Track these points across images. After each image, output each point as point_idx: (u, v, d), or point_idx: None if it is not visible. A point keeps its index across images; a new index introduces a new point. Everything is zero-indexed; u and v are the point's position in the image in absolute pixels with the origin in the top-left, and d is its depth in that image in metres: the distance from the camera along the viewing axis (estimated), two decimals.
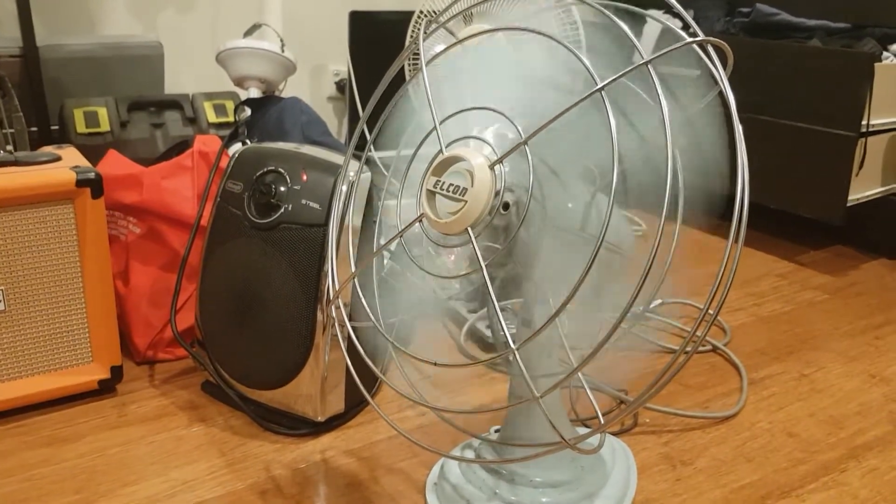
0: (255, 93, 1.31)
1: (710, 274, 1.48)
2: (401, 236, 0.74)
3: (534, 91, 0.74)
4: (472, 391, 1.06)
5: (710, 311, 0.64)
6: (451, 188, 0.68)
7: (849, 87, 1.42)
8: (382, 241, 0.77)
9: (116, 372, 1.03)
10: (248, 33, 1.39)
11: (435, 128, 0.71)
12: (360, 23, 1.52)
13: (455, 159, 0.68)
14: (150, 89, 1.57)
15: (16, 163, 0.96)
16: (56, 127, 1.45)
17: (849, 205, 1.47)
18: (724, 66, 0.67)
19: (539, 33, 0.66)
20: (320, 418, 0.96)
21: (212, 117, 1.45)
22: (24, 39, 1.43)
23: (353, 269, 0.79)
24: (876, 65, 1.40)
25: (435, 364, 0.71)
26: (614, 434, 0.97)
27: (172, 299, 1.08)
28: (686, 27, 0.71)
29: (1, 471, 0.88)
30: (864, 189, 1.51)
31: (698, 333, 0.64)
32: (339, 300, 0.80)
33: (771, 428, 1.00)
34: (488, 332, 1.15)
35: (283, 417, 0.98)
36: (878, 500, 0.87)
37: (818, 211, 1.50)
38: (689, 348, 0.62)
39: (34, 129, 1.48)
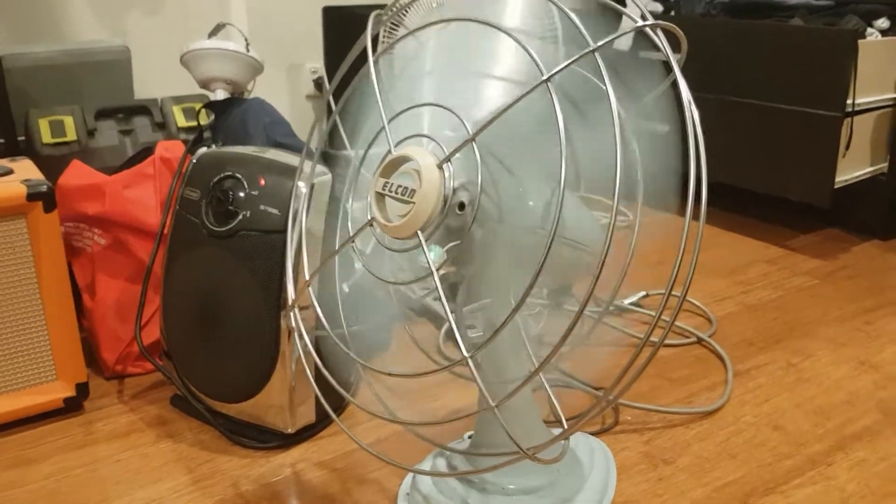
0: (221, 95, 1.28)
1: (697, 263, 1.45)
2: (351, 241, 0.70)
3: (490, 85, 0.71)
4: (448, 395, 1.03)
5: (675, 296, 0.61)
6: (400, 190, 0.65)
7: (832, 65, 1.38)
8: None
9: (82, 389, 1.00)
10: (212, 34, 1.35)
11: (384, 126, 0.68)
12: (334, 18, 1.48)
13: (403, 159, 0.65)
14: (120, 95, 1.53)
15: None
16: (23, 138, 1.42)
17: (837, 186, 1.44)
18: (678, 50, 0.64)
19: (488, 24, 0.63)
20: (290, 430, 0.93)
21: (181, 121, 1.42)
22: None
23: (307, 276, 0.76)
24: (860, 42, 1.36)
25: (389, 374, 0.68)
26: (594, 434, 0.94)
27: (137, 312, 1.05)
28: (669, 11, 0.67)
29: None
30: (852, 170, 1.47)
31: (664, 320, 0.60)
32: (297, 308, 0.78)
33: (756, 421, 0.97)
34: (470, 332, 1.12)
35: (253, 430, 0.95)
36: (865, 494, 0.84)
37: (805, 194, 1.47)
38: (654, 339, 0.59)
39: (0, 141, 1.44)
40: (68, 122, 1.38)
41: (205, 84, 1.31)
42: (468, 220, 0.67)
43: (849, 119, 1.39)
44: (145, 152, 1.17)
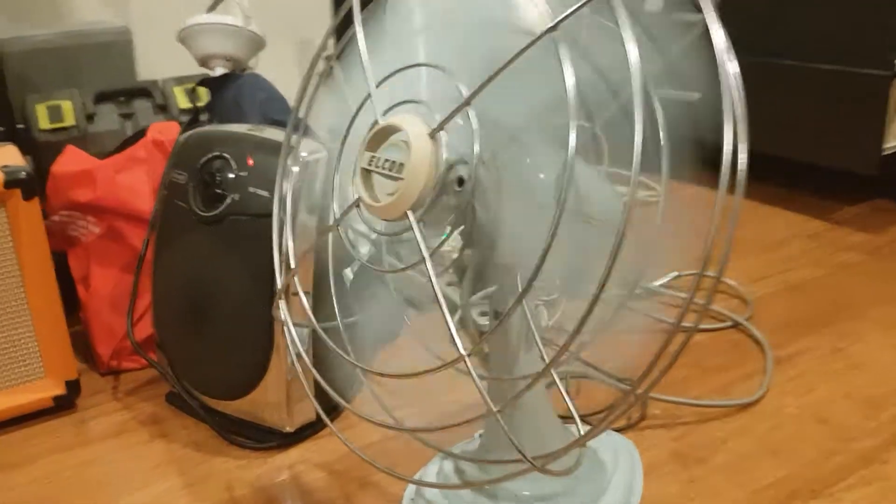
0: (220, 73, 1.21)
1: (733, 239, 1.36)
2: (337, 226, 0.63)
3: (497, 39, 0.62)
4: (460, 388, 0.95)
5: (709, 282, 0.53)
6: (387, 164, 0.57)
7: (879, 20, 1.27)
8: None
9: (73, 387, 0.94)
10: (210, 8, 1.28)
11: (369, 93, 0.60)
12: None
13: (391, 129, 0.57)
14: (122, 77, 1.47)
15: None
16: (22, 125, 1.37)
17: (885, 153, 1.33)
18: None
19: None
20: (289, 429, 0.86)
21: (183, 103, 1.35)
22: None
23: (293, 261, 0.69)
24: None
25: (381, 375, 0.60)
26: (618, 430, 0.86)
27: (129, 304, 0.99)
28: None
29: None
30: None
31: (696, 303, 0.52)
32: (285, 298, 0.70)
33: (799, 414, 0.88)
34: (482, 320, 1.05)
35: (251, 429, 0.88)
36: None
37: (850, 162, 1.36)
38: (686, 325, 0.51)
39: (1, 129, 1.39)
40: (66, 106, 1.32)
41: (204, 62, 1.23)
42: (468, 198, 0.59)
43: None
44: (138, 135, 1.11)
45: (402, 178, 0.55)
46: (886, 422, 0.86)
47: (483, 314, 1.04)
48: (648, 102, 0.69)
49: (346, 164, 0.66)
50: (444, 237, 0.64)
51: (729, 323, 1.08)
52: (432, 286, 0.54)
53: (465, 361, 0.53)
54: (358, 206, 0.60)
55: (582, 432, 0.55)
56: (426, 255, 0.54)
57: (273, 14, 1.80)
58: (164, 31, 1.58)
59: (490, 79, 0.52)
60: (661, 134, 0.66)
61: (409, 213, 0.56)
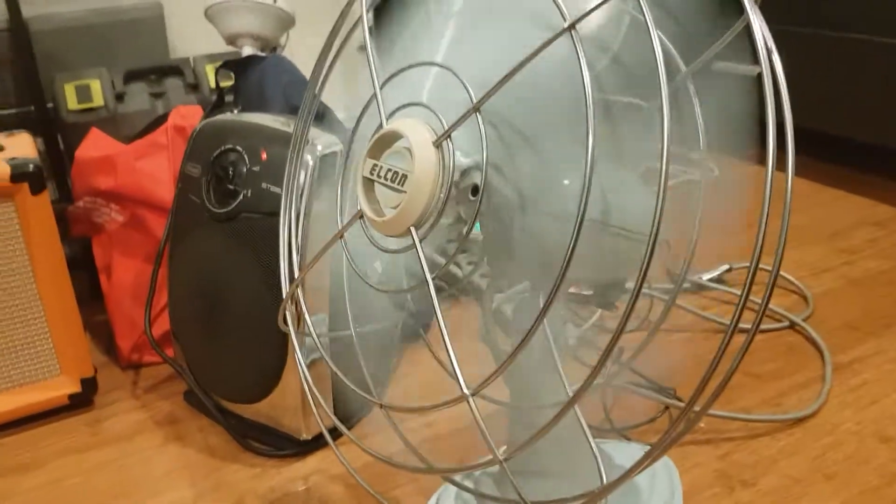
0: (248, 51, 1.16)
1: (792, 228, 1.27)
2: (341, 237, 0.57)
3: (519, 35, 0.56)
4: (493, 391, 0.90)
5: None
6: (390, 175, 0.51)
7: None
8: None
9: (89, 384, 0.92)
10: None
11: (375, 94, 0.54)
12: None
13: (395, 136, 0.51)
14: (153, 55, 1.43)
15: None
16: (51, 105, 1.34)
17: None
18: None
19: None
20: (305, 436, 0.82)
21: (214, 82, 1.31)
22: (10, 11, 1.31)
23: (297, 270, 0.64)
24: None
25: (381, 406, 0.55)
26: None
27: (148, 298, 0.95)
28: None
29: None
30: None
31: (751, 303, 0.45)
32: (289, 306, 0.65)
33: (860, 430, 0.81)
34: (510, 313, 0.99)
35: (267, 434, 0.84)
36: None
37: None
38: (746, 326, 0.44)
39: (31, 108, 1.37)
40: (95, 86, 1.29)
41: (231, 40, 1.18)
42: (483, 208, 0.53)
43: None
44: (160, 119, 1.07)
45: (404, 192, 0.50)
46: None
47: (514, 310, 0.97)
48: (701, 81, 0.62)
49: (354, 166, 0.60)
50: (470, 226, 0.58)
51: (785, 323, 1.00)
52: (437, 314, 0.48)
53: (469, 401, 0.47)
54: (361, 218, 0.54)
55: (605, 480, 0.49)
56: (429, 277, 0.48)
57: None
58: (196, 7, 1.54)
59: (502, 81, 0.46)
60: (697, 112, 0.58)
61: (413, 231, 0.50)
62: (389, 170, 0.51)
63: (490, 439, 0.47)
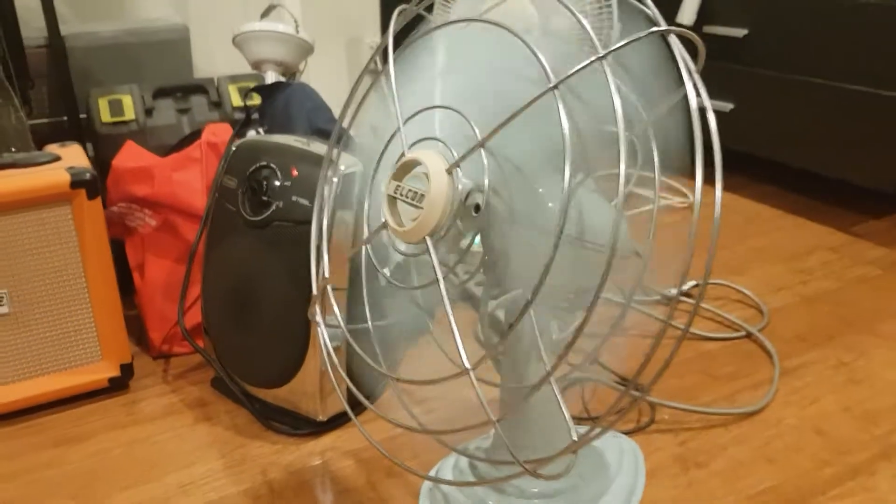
0: (272, 76, 1.29)
1: (754, 249, 1.40)
2: (368, 244, 0.70)
3: (506, 84, 0.69)
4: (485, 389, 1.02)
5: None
6: (410, 194, 0.64)
7: None
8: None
9: (126, 369, 1.03)
10: (264, 15, 1.36)
11: (398, 128, 0.67)
12: None
13: (415, 163, 0.64)
14: (178, 74, 1.56)
15: (14, 165, 0.96)
16: (85, 116, 1.46)
17: None
18: (695, 57, 0.60)
19: (494, 24, 0.61)
20: (321, 417, 0.94)
21: (236, 101, 1.43)
22: (49, 29, 1.43)
23: (327, 271, 0.76)
24: None
25: (397, 380, 0.67)
26: (627, 433, 0.92)
27: (181, 294, 1.07)
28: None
29: (8, 472, 0.90)
30: None
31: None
32: (319, 303, 0.78)
33: (799, 425, 0.94)
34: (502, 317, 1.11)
35: (287, 416, 0.96)
36: None
37: (871, 179, 1.39)
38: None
39: (64, 118, 1.49)
40: (126, 101, 1.41)
41: (256, 65, 1.31)
42: (483, 223, 0.66)
43: None
44: (194, 135, 1.19)
45: (421, 208, 0.62)
46: (880, 436, 0.91)
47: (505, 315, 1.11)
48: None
49: (377, 186, 0.73)
50: (471, 240, 0.71)
51: (742, 333, 1.13)
52: (445, 305, 0.61)
53: (469, 375, 0.60)
54: (385, 227, 0.67)
55: (575, 438, 0.61)
56: (440, 276, 0.61)
57: (323, 16, 1.87)
58: (220, 30, 1.67)
59: (502, 124, 0.59)
60: (655, 154, 0.71)
61: (427, 239, 0.62)
62: (410, 190, 0.64)
63: (486, 404, 0.60)
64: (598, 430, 0.62)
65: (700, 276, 1.25)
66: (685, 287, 1.24)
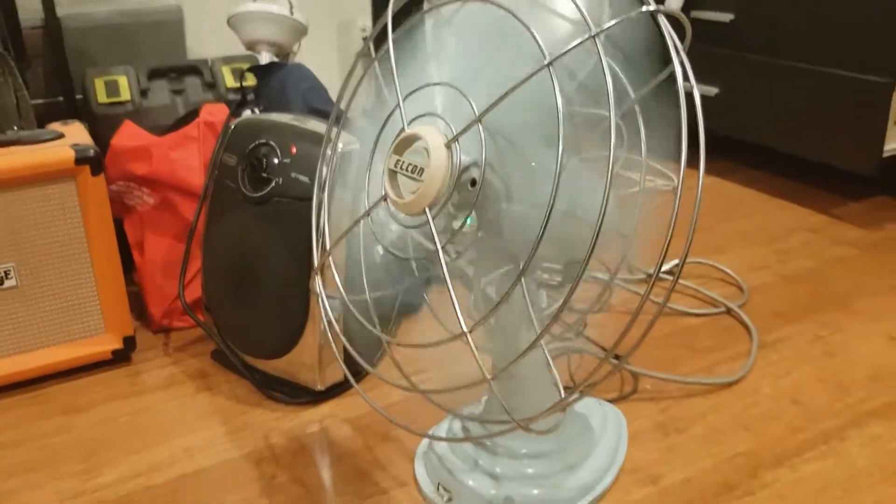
0: (266, 57, 1.31)
1: (736, 231, 1.45)
2: (368, 215, 0.74)
3: (503, 62, 0.72)
4: (472, 359, 1.06)
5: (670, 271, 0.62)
6: (410, 167, 0.67)
7: (885, 30, 1.34)
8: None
9: (129, 342, 1.07)
10: None
11: (398, 104, 0.70)
12: None
13: (415, 138, 0.68)
14: (172, 55, 1.58)
15: (18, 142, 0.99)
16: (81, 97, 1.48)
17: (886, 155, 1.41)
18: (682, 37, 0.64)
19: (491, 3, 0.65)
20: (320, 387, 0.98)
21: (230, 82, 1.46)
22: (45, 10, 1.45)
23: (328, 244, 0.80)
24: None
25: (398, 344, 0.71)
26: (611, 401, 0.97)
27: (181, 269, 1.10)
28: None
29: (16, 439, 0.93)
30: None
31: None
32: (320, 274, 0.81)
33: (774, 394, 0.98)
34: (493, 295, 1.15)
35: (286, 386, 1.00)
36: (874, 470, 0.85)
37: (851, 162, 1.44)
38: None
39: (60, 99, 1.51)
40: (122, 81, 1.43)
41: (250, 46, 1.34)
42: (479, 196, 0.70)
43: None
44: (191, 115, 1.22)
45: (421, 181, 0.66)
46: (851, 404, 0.96)
47: (496, 291, 1.15)
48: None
49: (377, 161, 0.76)
50: (462, 221, 0.74)
51: (722, 309, 1.18)
52: (444, 273, 0.64)
53: (466, 336, 0.63)
54: (385, 199, 0.70)
55: (563, 395, 0.65)
56: (439, 246, 0.65)
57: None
58: (213, 12, 1.69)
59: (499, 100, 0.62)
60: (641, 130, 0.74)
61: (427, 210, 0.66)
62: (410, 164, 0.67)
63: (480, 362, 0.63)
64: (580, 391, 0.66)
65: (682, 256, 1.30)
66: (667, 266, 1.28)
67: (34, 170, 0.95)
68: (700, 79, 1.67)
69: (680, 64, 0.62)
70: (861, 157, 1.42)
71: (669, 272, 1.27)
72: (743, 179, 1.69)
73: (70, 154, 0.97)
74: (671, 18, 0.63)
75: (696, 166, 0.61)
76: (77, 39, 1.53)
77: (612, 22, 0.60)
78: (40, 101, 1.53)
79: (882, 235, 1.42)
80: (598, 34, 0.59)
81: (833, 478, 0.84)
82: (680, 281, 1.25)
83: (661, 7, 0.60)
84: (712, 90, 1.65)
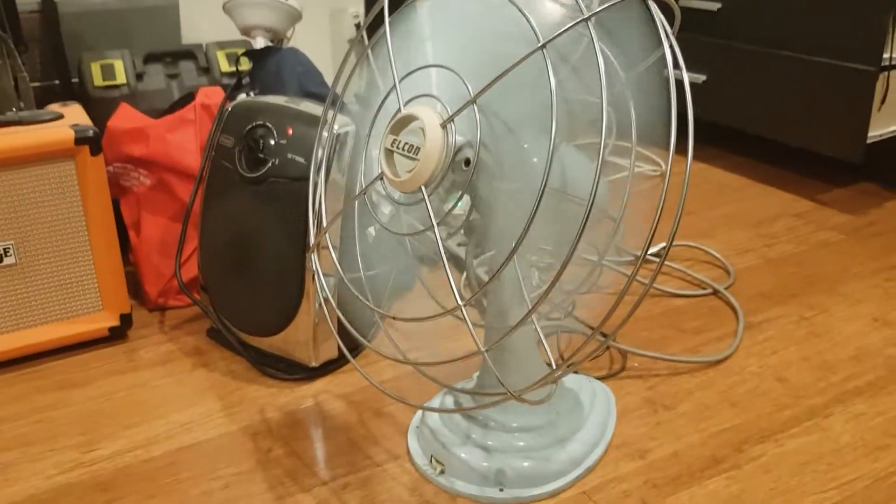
0: (261, 42, 1.32)
1: (723, 215, 1.47)
2: (363, 194, 0.75)
3: (497, 45, 0.74)
4: (465, 336, 1.08)
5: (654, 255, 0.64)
6: (406, 147, 0.69)
7: (869, 19, 1.37)
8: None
9: (126, 319, 1.08)
10: None
11: (395, 86, 0.72)
12: None
13: (411, 118, 0.69)
14: (167, 39, 1.59)
15: (19, 122, 1.00)
16: (76, 80, 1.49)
17: (870, 141, 1.43)
18: (672, 22, 0.66)
19: None
20: (314, 364, 1.00)
21: (224, 66, 1.47)
22: None
23: (325, 222, 0.81)
24: None
25: (394, 318, 0.73)
26: (600, 378, 0.99)
27: (177, 249, 1.12)
28: None
29: (15, 413, 0.95)
30: (888, 124, 1.46)
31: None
32: (317, 252, 0.83)
33: (761, 372, 1.01)
34: (484, 276, 1.17)
35: (280, 363, 1.02)
36: (857, 445, 0.87)
37: (836, 149, 1.47)
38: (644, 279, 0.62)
39: (56, 82, 1.52)
40: (118, 65, 1.44)
41: (245, 31, 1.35)
42: (473, 176, 0.72)
43: (885, 74, 1.38)
44: (187, 98, 1.23)
45: (417, 160, 0.68)
46: (835, 383, 0.98)
47: (487, 272, 1.18)
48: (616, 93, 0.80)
49: (373, 142, 0.78)
50: (454, 203, 0.76)
51: (709, 290, 1.20)
52: (439, 248, 0.66)
53: (461, 310, 0.65)
54: (381, 178, 0.72)
55: (554, 367, 0.67)
56: (434, 222, 0.67)
57: None
58: None
59: (494, 81, 0.64)
60: (633, 120, 0.76)
61: (423, 188, 0.68)
62: (406, 143, 0.69)
63: (474, 333, 0.65)
64: (568, 365, 0.68)
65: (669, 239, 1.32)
66: (655, 249, 1.30)
67: (34, 150, 0.97)
68: (688, 66, 1.69)
69: (670, 48, 0.64)
70: (846, 143, 1.44)
71: (657, 255, 1.29)
72: (730, 165, 1.71)
73: (70, 134, 0.98)
74: (661, 4, 0.64)
75: (684, 152, 0.63)
76: (73, 24, 1.53)
77: (604, 6, 0.61)
78: (36, 84, 1.53)
79: (866, 220, 1.44)
80: (589, 17, 0.61)
81: (817, 452, 0.87)
82: (668, 263, 1.27)
83: None
84: (700, 77, 1.67)
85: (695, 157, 1.74)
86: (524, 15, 0.63)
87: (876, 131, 1.43)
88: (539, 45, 0.61)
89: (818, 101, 1.47)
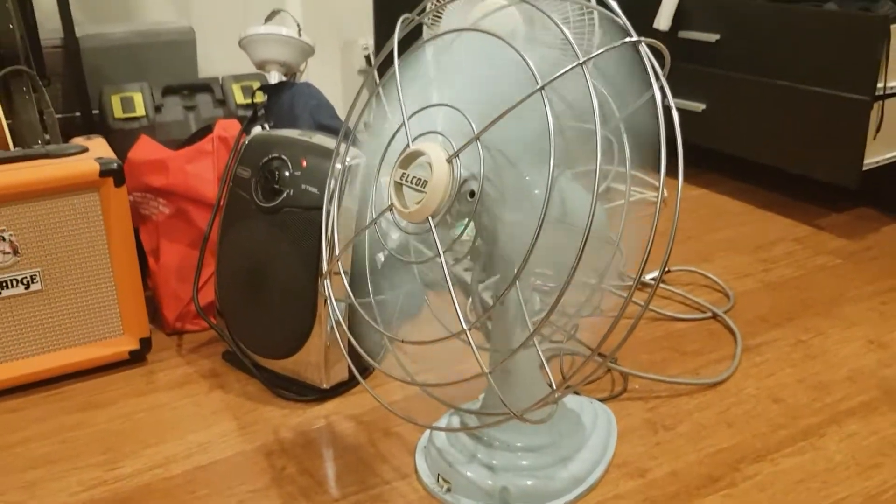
0: (275, 76, 1.38)
1: (722, 240, 1.51)
2: (374, 224, 0.80)
3: (498, 85, 0.78)
4: (471, 358, 1.12)
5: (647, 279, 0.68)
6: (414, 180, 0.74)
7: (864, 50, 1.41)
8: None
9: (145, 343, 1.13)
10: (268, 19, 1.45)
11: (404, 123, 0.77)
12: None
13: (418, 153, 0.74)
14: (184, 73, 1.65)
15: (46, 155, 1.05)
16: (97, 112, 1.55)
17: (866, 168, 1.47)
18: (662, 65, 0.70)
19: (486, 33, 0.71)
20: (325, 385, 1.04)
21: (240, 99, 1.52)
22: (65, 31, 1.52)
23: (338, 250, 0.86)
24: (892, 27, 1.39)
25: (402, 341, 0.77)
26: (602, 400, 1.02)
27: (195, 275, 1.16)
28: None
29: (39, 433, 0.99)
30: (883, 152, 1.50)
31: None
32: (330, 278, 0.87)
33: (757, 394, 1.04)
34: (489, 300, 1.21)
35: (293, 384, 1.06)
36: (850, 464, 0.91)
37: (833, 175, 1.51)
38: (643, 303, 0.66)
39: (77, 114, 1.57)
40: (137, 98, 1.50)
41: (260, 66, 1.40)
42: (477, 207, 0.76)
43: (879, 103, 1.42)
44: (205, 130, 1.28)
45: (425, 192, 0.72)
46: (830, 403, 1.02)
47: (492, 296, 1.22)
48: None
49: (382, 174, 0.83)
50: (460, 231, 0.81)
51: (709, 314, 1.24)
52: (445, 275, 0.70)
53: (466, 334, 0.69)
54: (391, 209, 0.76)
55: (554, 388, 0.71)
56: (440, 251, 0.71)
57: (320, 20, 1.97)
58: (223, 33, 1.76)
59: (496, 120, 0.69)
60: (627, 153, 0.81)
61: (429, 219, 0.72)
62: (414, 177, 0.74)
63: (479, 356, 0.69)
64: (569, 385, 0.72)
65: (670, 264, 1.36)
66: (654, 273, 1.34)
67: (61, 182, 1.02)
68: (688, 95, 1.74)
69: (660, 89, 0.68)
70: (842, 170, 1.48)
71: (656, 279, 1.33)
72: (730, 191, 1.75)
73: (95, 167, 1.03)
74: (652, 48, 0.69)
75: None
76: (94, 58, 1.59)
77: (598, 52, 0.66)
78: (59, 115, 1.59)
79: (863, 245, 1.48)
80: (585, 62, 0.65)
81: (811, 471, 0.90)
82: (669, 287, 1.31)
83: (643, 38, 0.66)
84: (700, 106, 1.72)
85: (695, 183, 1.78)
86: (523, 58, 0.67)
87: (872, 158, 1.46)
88: (538, 86, 0.66)
89: (815, 129, 1.51)
